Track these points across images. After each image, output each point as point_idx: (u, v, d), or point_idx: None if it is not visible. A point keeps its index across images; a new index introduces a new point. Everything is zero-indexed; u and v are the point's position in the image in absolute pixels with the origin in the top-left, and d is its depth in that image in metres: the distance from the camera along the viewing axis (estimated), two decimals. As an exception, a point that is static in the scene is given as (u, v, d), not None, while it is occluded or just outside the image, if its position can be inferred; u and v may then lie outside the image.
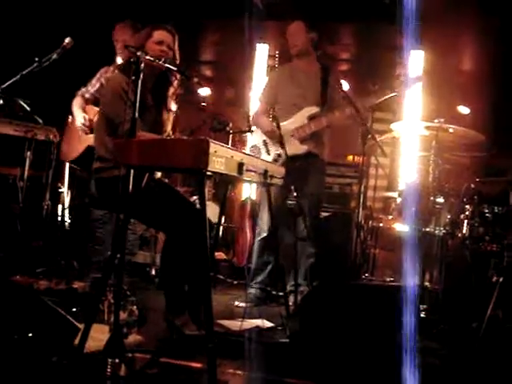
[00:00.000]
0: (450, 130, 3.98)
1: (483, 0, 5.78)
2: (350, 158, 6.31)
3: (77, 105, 4.48)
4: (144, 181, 2.96)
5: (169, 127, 3.43)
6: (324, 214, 5.23)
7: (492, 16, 5.80)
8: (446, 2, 5.89)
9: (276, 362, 2.89)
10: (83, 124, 4.33)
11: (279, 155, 4.29)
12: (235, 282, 5.10)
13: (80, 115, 4.38)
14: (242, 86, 7.28)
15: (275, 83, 4.56)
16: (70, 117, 4.63)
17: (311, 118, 4.27)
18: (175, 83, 3.39)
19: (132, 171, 2.59)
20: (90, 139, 4.36)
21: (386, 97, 4.10)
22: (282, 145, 3.89)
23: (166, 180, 3.57)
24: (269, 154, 4.34)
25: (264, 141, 4.40)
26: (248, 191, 6.25)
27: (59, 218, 5.44)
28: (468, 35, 6.15)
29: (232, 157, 2.62)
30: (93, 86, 4.53)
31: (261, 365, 2.79)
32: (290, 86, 4.42)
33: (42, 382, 2.30)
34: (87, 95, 4.53)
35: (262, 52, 7.19)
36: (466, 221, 3.93)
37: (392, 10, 4.85)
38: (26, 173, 4.94)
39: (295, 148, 4.23)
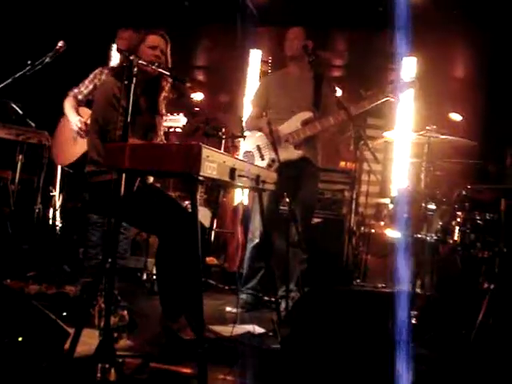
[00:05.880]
0: (442, 137, 4.00)
1: (474, 9, 5.84)
2: (343, 164, 6.34)
3: (70, 106, 4.38)
4: (136, 185, 2.96)
5: (161, 131, 3.44)
6: (316, 220, 5.23)
7: (482, 24, 5.85)
8: (438, 11, 5.94)
9: (267, 368, 2.88)
10: (80, 128, 4.25)
11: (273, 160, 4.25)
12: (226, 288, 5.08)
13: (75, 118, 4.29)
14: (235, 91, 7.30)
15: (266, 88, 4.56)
16: (62, 119, 4.58)
17: (305, 123, 4.27)
18: (167, 87, 3.39)
19: (124, 175, 2.59)
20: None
21: (379, 102, 4.11)
22: (274, 150, 3.90)
23: (158, 185, 3.56)
24: (263, 160, 4.32)
25: (258, 146, 4.38)
26: (240, 196, 6.25)
27: (50, 222, 5.42)
28: (459, 42, 6.20)
29: (224, 162, 2.62)
30: (86, 88, 4.44)
31: (252, 371, 2.79)
32: (282, 91, 4.43)
33: (31, 387, 2.29)
34: (80, 96, 4.43)
35: (255, 57, 7.21)
36: (457, 227, 3.93)
37: (385, 17, 4.88)
38: (17, 176, 4.93)
39: (289, 153, 4.22)
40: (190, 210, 3.07)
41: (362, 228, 5.33)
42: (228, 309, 4.22)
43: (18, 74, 3.80)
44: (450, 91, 6.17)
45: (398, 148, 6.43)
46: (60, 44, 3.86)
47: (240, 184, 2.93)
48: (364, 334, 2.71)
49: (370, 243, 5.37)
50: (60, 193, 5.47)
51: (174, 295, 3.11)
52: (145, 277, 4.95)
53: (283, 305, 3.99)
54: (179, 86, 3.46)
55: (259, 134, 4.37)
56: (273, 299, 3.79)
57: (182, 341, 2.98)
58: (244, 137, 4.48)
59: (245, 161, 3.46)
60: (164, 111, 3.44)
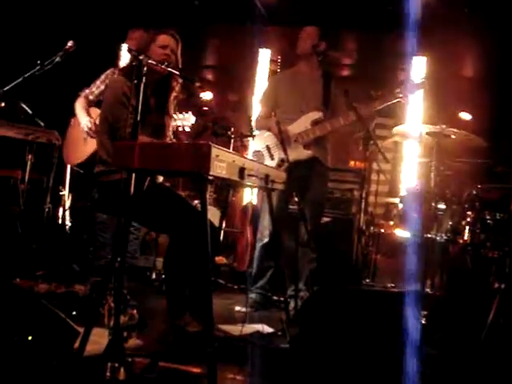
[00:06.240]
0: (452, 136, 3.98)
1: (483, 8, 5.82)
2: (352, 163, 6.32)
3: (80, 107, 4.37)
4: (145, 184, 2.96)
5: (170, 132, 3.44)
6: (325, 220, 5.22)
7: (492, 23, 5.83)
8: (447, 10, 5.91)
9: (276, 368, 2.88)
10: (90, 128, 4.23)
11: (283, 160, 4.22)
12: (236, 287, 5.08)
13: (85, 119, 4.28)
14: (244, 90, 7.30)
15: (275, 87, 4.56)
16: (73, 119, 4.58)
17: (315, 123, 4.26)
18: (177, 88, 3.39)
19: (133, 175, 2.59)
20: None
21: (390, 102, 4.10)
22: (284, 150, 3.89)
23: (168, 184, 3.56)
24: (272, 159, 4.31)
25: (267, 146, 4.36)
26: (249, 196, 6.25)
27: (60, 221, 5.43)
28: (469, 41, 6.17)
29: (234, 161, 2.62)
30: (97, 88, 4.41)
31: (261, 370, 2.78)
32: (292, 90, 4.41)
33: (41, 386, 2.29)
34: (91, 97, 4.41)
35: (264, 57, 7.22)
36: (467, 227, 3.92)
37: (395, 17, 4.87)
38: (27, 175, 4.94)
39: (298, 153, 4.21)
40: (199, 209, 3.08)
41: (372, 227, 5.31)
42: (237, 308, 4.22)
43: (27, 74, 3.81)
44: (460, 90, 6.13)
45: (408, 147, 6.41)
46: (69, 44, 3.87)
47: (249, 183, 2.93)
48: (373, 334, 2.70)
49: (379, 243, 5.36)
50: (69, 192, 5.48)
51: (181, 294, 3.12)
52: (154, 276, 4.96)
53: (292, 304, 3.98)
54: (188, 85, 3.46)
55: (268, 133, 4.36)
56: (282, 299, 3.78)
57: (189, 335, 2.98)
58: (253, 136, 4.46)
59: (254, 160, 3.46)
60: (172, 112, 3.44)
